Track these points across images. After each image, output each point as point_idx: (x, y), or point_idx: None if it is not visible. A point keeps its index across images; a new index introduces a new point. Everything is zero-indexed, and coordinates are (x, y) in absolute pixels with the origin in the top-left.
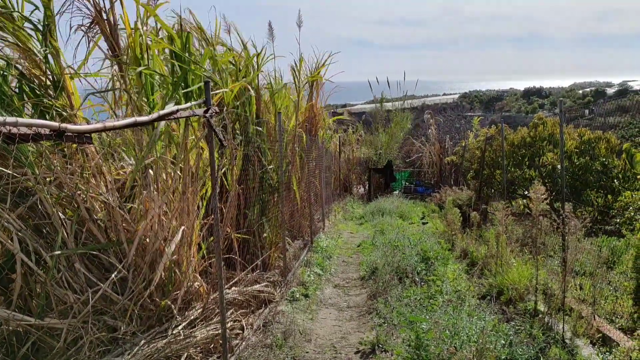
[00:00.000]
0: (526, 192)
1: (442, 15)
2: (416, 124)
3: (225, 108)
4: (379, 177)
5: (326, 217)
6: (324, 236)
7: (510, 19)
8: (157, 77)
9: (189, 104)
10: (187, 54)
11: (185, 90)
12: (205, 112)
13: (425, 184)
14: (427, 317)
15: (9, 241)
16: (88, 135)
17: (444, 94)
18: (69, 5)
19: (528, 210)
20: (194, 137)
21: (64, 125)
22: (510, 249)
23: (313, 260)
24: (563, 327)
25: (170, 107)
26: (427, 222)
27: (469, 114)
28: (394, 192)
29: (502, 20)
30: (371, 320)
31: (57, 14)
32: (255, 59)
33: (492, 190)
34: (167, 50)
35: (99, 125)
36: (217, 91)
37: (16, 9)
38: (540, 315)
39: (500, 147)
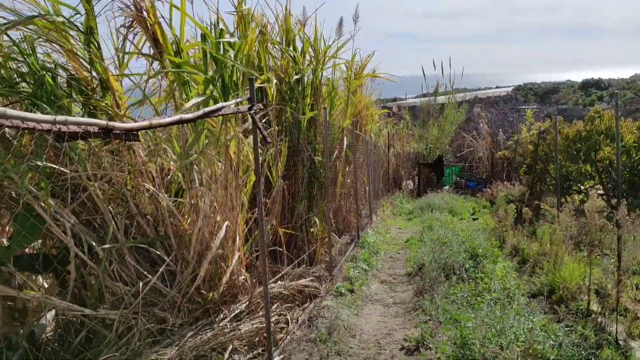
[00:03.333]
0: (582, 188)
1: (491, 5)
2: (468, 118)
3: (273, 103)
4: (428, 172)
5: (374, 213)
6: (371, 231)
7: (563, 9)
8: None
9: (233, 101)
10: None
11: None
12: (250, 109)
13: (476, 179)
14: (473, 315)
15: (64, 235)
16: (135, 132)
17: (497, 87)
18: (110, 3)
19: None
20: (234, 132)
21: (111, 123)
22: (564, 247)
23: (359, 255)
24: (617, 328)
25: (217, 105)
26: (477, 218)
27: (523, 107)
28: (445, 187)
29: (555, 10)
30: (417, 317)
31: (97, 15)
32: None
33: (546, 186)
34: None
35: (145, 123)
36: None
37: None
38: (592, 316)
39: (554, 141)
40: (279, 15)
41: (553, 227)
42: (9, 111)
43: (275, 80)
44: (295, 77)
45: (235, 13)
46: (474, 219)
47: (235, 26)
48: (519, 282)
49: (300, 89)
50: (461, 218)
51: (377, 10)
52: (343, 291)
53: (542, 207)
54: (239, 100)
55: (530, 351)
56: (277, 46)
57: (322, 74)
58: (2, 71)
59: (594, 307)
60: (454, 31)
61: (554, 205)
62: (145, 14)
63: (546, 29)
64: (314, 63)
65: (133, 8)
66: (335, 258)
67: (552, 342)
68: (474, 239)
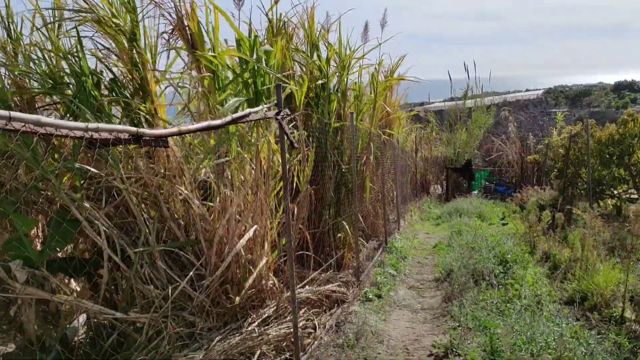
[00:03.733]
0: (615, 192)
1: (519, 6)
2: (496, 121)
3: (299, 109)
4: (457, 176)
5: (402, 217)
6: (399, 236)
7: (595, 9)
8: (228, 75)
9: (260, 107)
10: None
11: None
12: (277, 114)
13: (505, 184)
14: (503, 321)
15: (98, 237)
16: (164, 138)
17: (527, 90)
18: (153, 9)
19: (616, 212)
20: (265, 138)
21: (141, 130)
22: (597, 253)
23: (387, 260)
24: None
25: (244, 111)
26: (507, 223)
27: (554, 110)
28: (473, 192)
29: (586, 10)
30: (445, 323)
31: (140, 21)
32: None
33: (577, 190)
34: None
35: (174, 130)
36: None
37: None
38: (627, 323)
39: (585, 145)
40: (304, 24)
41: (584, 231)
42: (43, 119)
43: (300, 87)
44: (320, 82)
45: (268, 21)
46: (503, 224)
47: (265, 34)
48: (550, 288)
49: (325, 94)
50: (490, 223)
51: (401, 12)
52: (371, 296)
53: (574, 212)
54: (266, 106)
55: (562, 359)
56: (301, 54)
57: (347, 79)
58: (47, 68)
59: (629, 314)
60: (482, 32)
61: (586, 210)
62: (185, 22)
63: (579, 29)
64: (340, 68)
65: (175, 16)
66: (362, 263)
67: (583, 349)
68: (503, 244)
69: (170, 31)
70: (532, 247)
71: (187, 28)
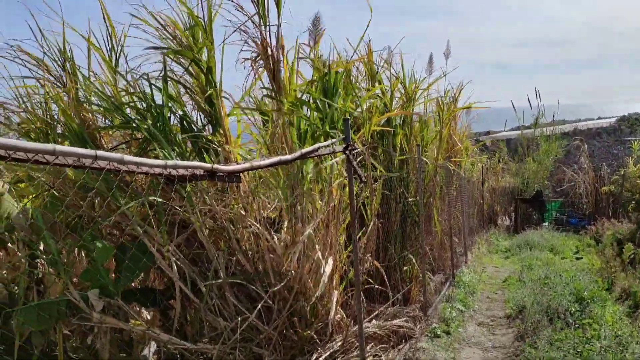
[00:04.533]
0: None
1: (586, 31)
2: (567, 151)
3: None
4: (526, 207)
5: (469, 250)
6: (466, 270)
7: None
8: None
9: (329, 142)
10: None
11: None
12: (345, 148)
13: (578, 216)
14: None
15: (170, 269)
16: (237, 174)
17: (599, 118)
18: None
19: None
20: (337, 171)
21: (216, 166)
22: None
23: (455, 295)
24: None
25: (313, 145)
26: (581, 258)
27: (629, 138)
28: (544, 224)
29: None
30: None
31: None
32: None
33: None
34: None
35: (246, 165)
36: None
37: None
38: None
39: None
40: (364, 58)
41: None
42: (126, 157)
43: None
44: (384, 118)
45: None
46: (577, 259)
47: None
48: (632, 328)
49: (390, 126)
50: (563, 257)
51: (470, 41)
52: (439, 332)
53: None
54: (335, 140)
55: None
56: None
57: (413, 109)
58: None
59: None
60: (550, 60)
61: None
62: (270, 51)
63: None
64: (404, 99)
65: (260, 44)
66: (429, 298)
67: None
68: (578, 280)
69: (252, 59)
70: (610, 284)
71: (270, 58)
